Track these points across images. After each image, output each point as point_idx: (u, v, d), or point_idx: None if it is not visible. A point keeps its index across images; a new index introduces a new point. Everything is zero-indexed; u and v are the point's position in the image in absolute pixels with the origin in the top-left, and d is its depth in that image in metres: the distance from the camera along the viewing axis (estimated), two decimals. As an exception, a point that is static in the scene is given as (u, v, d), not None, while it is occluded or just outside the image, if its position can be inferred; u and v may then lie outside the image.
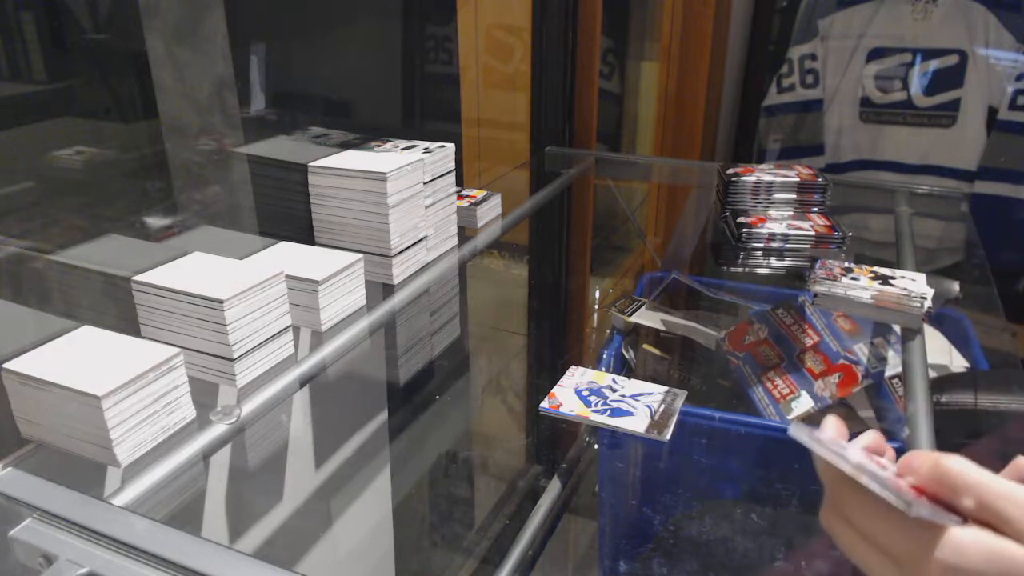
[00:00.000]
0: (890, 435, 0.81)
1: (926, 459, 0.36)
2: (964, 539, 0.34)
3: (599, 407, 0.75)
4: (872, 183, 1.86)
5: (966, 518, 0.35)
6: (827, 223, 1.12)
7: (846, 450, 0.37)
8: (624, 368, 1.00)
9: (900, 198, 1.32)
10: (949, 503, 0.35)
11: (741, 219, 1.13)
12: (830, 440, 0.38)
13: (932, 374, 0.91)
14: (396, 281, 0.86)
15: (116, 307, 0.69)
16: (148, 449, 0.59)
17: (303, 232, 0.87)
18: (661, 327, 1.00)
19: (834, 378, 0.85)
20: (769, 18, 2.25)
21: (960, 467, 0.35)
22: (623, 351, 1.00)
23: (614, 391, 0.78)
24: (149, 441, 0.59)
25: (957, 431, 0.86)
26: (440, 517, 1.39)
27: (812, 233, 1.09)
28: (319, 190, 0.84)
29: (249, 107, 0.90)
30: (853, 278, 0.91)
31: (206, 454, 0.61)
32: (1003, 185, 2.03)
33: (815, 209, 1.17)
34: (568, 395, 0.77)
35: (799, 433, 0.38)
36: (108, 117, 0.77)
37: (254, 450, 0.78)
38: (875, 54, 2.09)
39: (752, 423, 0.82)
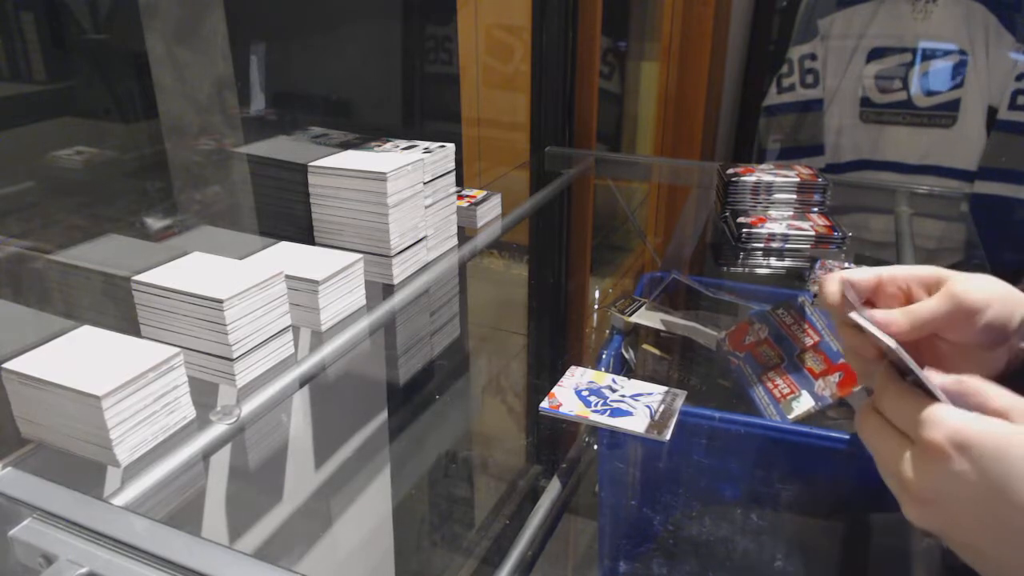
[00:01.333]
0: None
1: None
2: (968, 414, 0.38)
3: (599, 407, 0.75)
4: (872, 183, 1.86)
5: None
6: (827, 223, 1.12)
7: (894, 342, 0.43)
8: (624, 368, 1.00)
9: (900, 198, 1.32)
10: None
11: (741, 219, 1.13)
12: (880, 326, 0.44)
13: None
14: (396, 281, 0.86)
15: (116, 307, 0.69)
16: (148, 449, 0.59)
17: (303, 232, 0.87)
18: (661, 327, 1.00)
19: (834, 377, 0.84)
20: (769, 18, 2.25)
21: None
22: (623, 351, 0.99)
23: (614, 391, 0.78)
24: (149, 441, 0.59)
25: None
26: (440, 517, 1.39)
27: (812, 233, 1.09)
28: (319, 190, 0.84)
29: (249, 107, 0.90)
30: (853, 278, 0.91)
31: (206, 454, 0.61)
32: (1003, 185, 2.03)
33: (815, 209, 1.17)
34: (568, 395, 0.77)
35: (858, 317, 0.43)
36: (108, 117, 0.77)
37: (254, 450, 0.78)
38: (875, 54, 2.09)
39: (752, 423, 0.82)
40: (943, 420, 0.38)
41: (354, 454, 1.05)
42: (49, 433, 0.59)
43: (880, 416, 0.43)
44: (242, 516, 0.86)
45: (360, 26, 1.08)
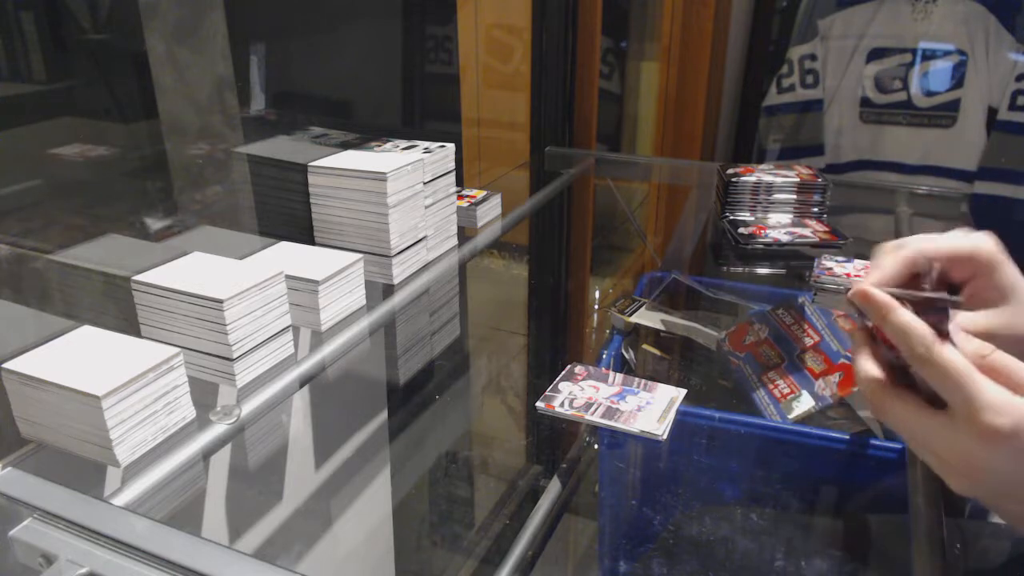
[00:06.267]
0: (890, 435, 0.81)
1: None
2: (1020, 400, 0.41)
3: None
4: (872, 183, 1.86)
5: None
6: (826, 229, 1.12)
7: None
8: (624, 368, 1.00)
9: (900, 198, 1.32)
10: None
11: (741, 229, 1.12)
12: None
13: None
14: (396, 281, 0.86)
15: (116, 307, 0.69)
16: (148, 449, 0.59)
17: (303, 232, 0.87)
18: (661, 327, 1.00)
19: (835, 377, 0.84)
20: (769, 18, 2.25)
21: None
22: (623, 351, 1.00)
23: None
24: (149, 441, 0.59)
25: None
26: (440, 517, 1.39)
27: (815, 239, 1.09)
28: (319, 190, 0.84)
29: (249, 107, 0.90)
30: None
31: (206, 454, 0.61)
32: (1003, 185, 2.03)
33: (814, 210, 1.17)
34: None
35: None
36: (108, 117, 0.77)
37: (254, 450, 0.78)
38: (875, 54, 2.09)
39: (752, 423, 0.82)
40: (1006, 406, 0.40)
41: (354, 454, 1.05)
42: (49, 433, 0.59)
43: (908, 394, 0.45)
44: (242, 516, 0.86)
45: (360, 26, 1.08)
